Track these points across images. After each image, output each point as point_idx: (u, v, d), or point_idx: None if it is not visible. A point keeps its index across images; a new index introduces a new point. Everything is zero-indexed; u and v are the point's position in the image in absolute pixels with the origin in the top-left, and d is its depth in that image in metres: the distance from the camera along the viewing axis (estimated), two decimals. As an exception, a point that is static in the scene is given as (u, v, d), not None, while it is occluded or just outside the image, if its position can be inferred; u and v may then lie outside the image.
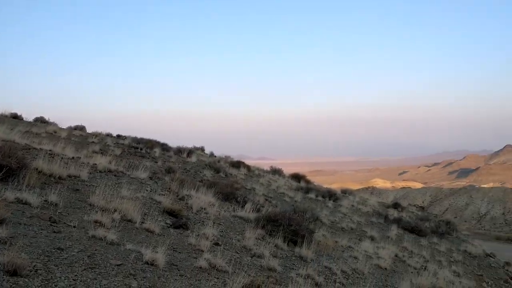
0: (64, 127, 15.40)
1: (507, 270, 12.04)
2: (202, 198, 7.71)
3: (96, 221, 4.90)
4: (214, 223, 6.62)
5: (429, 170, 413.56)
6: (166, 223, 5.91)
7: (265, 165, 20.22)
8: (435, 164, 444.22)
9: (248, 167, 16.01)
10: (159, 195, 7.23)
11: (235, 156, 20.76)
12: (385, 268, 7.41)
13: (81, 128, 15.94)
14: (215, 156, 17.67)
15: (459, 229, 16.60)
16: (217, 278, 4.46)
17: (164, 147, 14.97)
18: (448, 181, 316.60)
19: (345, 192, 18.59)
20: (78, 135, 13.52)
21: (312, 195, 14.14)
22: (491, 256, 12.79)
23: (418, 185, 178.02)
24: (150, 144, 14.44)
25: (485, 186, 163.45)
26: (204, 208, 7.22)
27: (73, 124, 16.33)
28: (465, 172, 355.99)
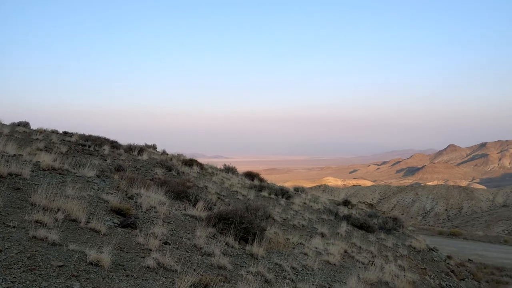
0: (7, 123, 14.63)
1: (448, 263, 12.65)
2: (153, 197, 7.54)
3: (37, 221, 4.67)
4: (164, 222, 6.50)
5: (379, 168, 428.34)
6: (113, 222, 5.74)
7: (220, 163, 20.14)
8: (384, 162, 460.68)
9: (201, 165, 15.87)
10: (107, 193, 7.01)
11: (189, 154, 20.55)
12: (334, 264, 7.57)
13: (25, 125, 15.18)
14: (167, 154, 17.39)
15: (405, 225, 17.24)
16: (165, 278, 4.37)
17: (114, 144, 14.55)
18: (396, 179, 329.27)
19: (297, 190, 18.85)
20: (21, 132, 12.87)
21: (265, 193, 14.21)
22: (434, 250, 13.38)
23: (368, 183, 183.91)
24: (99, 141, 13.99)
25: (430, 183, 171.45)
26: (154, 207, 7.07)
27: (16, 120, 15.53)
28: (412, 171, 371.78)
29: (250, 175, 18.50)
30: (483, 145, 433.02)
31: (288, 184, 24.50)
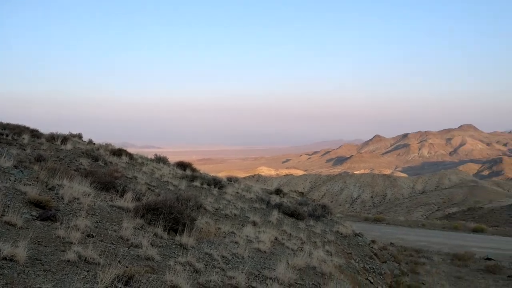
0: None
1: (372, 247, 13.34)
2: (76, 188, 7.17)
3: None
4: (88, 213, 6.21)
5: (310, 158, 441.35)
6: (31, 215, 5.37)
7: (151, 153, 19.62)
8: (315, 152, 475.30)
9: (130, 155, 15.36)
10: (25, 185, 6.55)
11: (119, 144, 19.83)
12: (265, 251, 7.67)
13: None
14: (94, 144, 16.64)
15: (333, 212, 17.88)
16: (87, 271, 4.17)
17: (35, 133, 13.65)
18: (326, 168, 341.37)
19: (231, 180, 18.87)
20: None
21: (197, 183, 14.08)
22: (359, 236, 14.03)
23: (300, 173, 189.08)
24: (18, 130, 13.06)
25: (357, 172, 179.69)
26: (78, 198, 6.73)
27: None
28: (340, 160, 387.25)
29: (182, 165, 18.23)
30: (405, 135, 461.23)
31: (222, 174, 24.47)
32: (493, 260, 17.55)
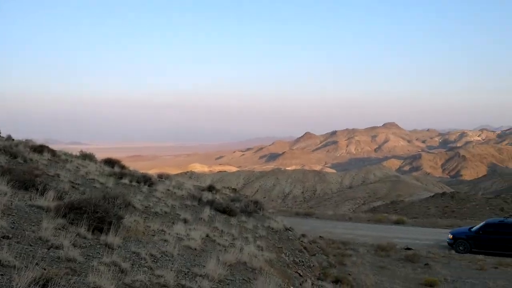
0: None
1: (302, 241, 13.73)
2: (-10, 187, 6.64)
3: None
4: (3, 214, 5.77)
5: (243, 154, 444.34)
6: None
7: (78, 150, 18.68)
8: (248, 149, 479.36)
9: (53, 152, 14.52)
10: None
11: (42, 140, 18.62)
12: (195, 249, 7.59)
13: None
14: (13, 140, 15.53)
15: (265, 208, 18.14)
16: (2, 275, 3.87)
17: None
18: (259, 164, 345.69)
19: (161, 176, 18.48)
20: None
21: (126, 181, 13.62)
22: (290, 230, 14.37)
23: (233, 169, 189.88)
24: None
25: (289, 168, 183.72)
26: (-8, 198, 6.23)
27: None
28: (273, 156, 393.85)
29: (111, 162, 17.54)
30: (333, 133, 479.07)
31: (154, 171, 23.90)
32: (412, 249, 18.77)
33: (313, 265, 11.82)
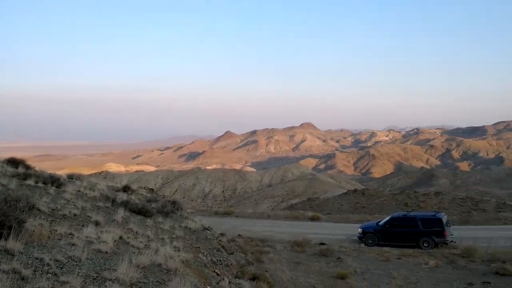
0: None
1: (220, 240, 13.70)
2: None
3: None
4: None
5: (162, 153, 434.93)
6: None
7: (-25, 149, 16.94)
8: (168, 148, 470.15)
9: None
10: None
11: None
12: (106, 252, 7.24)
13: None
14: None
15: (183, 208, 17.84)
16: None
17: None
18: (179, 164, 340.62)
19: (72, 177, 17.43)
20: None
21: (31, 182, 12.64)
22: (208, 230, 14.27)
23: (152, 168, 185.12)
24: None
25: (209, 168, 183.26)
26: None
27: None
28: (193, 156, 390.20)
29: (14, 162, 16.17)
30: (253, 132, 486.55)
31: (65, 171, 22.44)
32: (326, 244, 19.59)
33: (231, 264, 11.85)
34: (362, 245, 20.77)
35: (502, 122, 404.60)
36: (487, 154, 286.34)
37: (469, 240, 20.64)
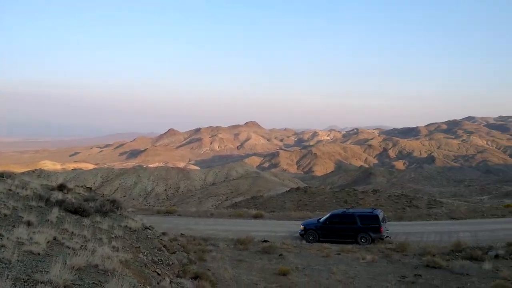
0: None
1: (161, 240, 13.43)
2: None
3: None
4: None
5: (102, 151, 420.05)
6: None
7: None
8: (108, 145, 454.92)
9: None
10: None
11: None
12: (39, 253, 6.86)
13: None
14: None
15: (124, 207, 17.30)
16: None
17: None
18: (119, 161, 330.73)
19: (2, 175, 16.36)
20: None
21: (-46, 180, 11.72)
22: (149, 229, 13.95)
23: (90, 166, 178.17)
24: None
25: (151, 166, 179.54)
26: None
27: None
28: (135, 153, 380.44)
29: None
30: (198, 130, 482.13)
31: (-7, 169, 21.00)
32: (269, 242, 19.82)
33: (173, 263, 11.65)
34: (304, 241, 21.22)
35: (433, 123, 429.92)
36: (420, 153, 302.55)
37: (403, 235, 21.72)
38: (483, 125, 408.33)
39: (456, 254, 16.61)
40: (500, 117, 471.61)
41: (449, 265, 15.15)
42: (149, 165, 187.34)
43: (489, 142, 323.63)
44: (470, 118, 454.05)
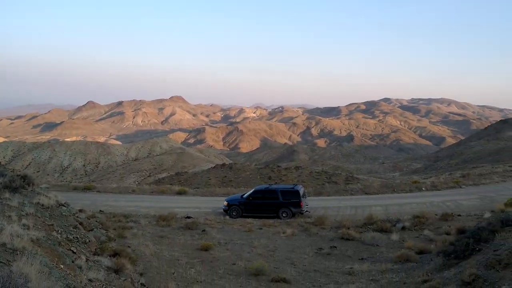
0: None
1: (77, 217, 12.81)
2: None
3: None
4: None
5: (12, 123, 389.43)
6: None
7: None
8: (19, 117, 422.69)
9: None
10: None
11: None
12: None
13: None
14: None
15: (36, 183, 16.26)
16: None
17: None
18: (32, 135, 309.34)
19: None
20: None
21: None
22: (64, 206, 13.24)
23: (0, 140, 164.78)
24: None
25: (68, 140, 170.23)
26: None
27: None
28: (50, 126, 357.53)
29: None
30: (120, 103, 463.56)
31: None
32: (192, 218, 19.79)
33: (90, 241, 11.19)
34: (227, 217, 21.44)
35: (353, 103, 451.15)
36: (341, 132, 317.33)
37: (322, 210, 22.75)
38: (398, 107, 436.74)
39: (368, 226, 17.76)
40: (412, 99, 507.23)
41: (362, 237, 16.18)
42: (66, 139, 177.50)
43: (402, 123, 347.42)
44: (386, 100, 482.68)
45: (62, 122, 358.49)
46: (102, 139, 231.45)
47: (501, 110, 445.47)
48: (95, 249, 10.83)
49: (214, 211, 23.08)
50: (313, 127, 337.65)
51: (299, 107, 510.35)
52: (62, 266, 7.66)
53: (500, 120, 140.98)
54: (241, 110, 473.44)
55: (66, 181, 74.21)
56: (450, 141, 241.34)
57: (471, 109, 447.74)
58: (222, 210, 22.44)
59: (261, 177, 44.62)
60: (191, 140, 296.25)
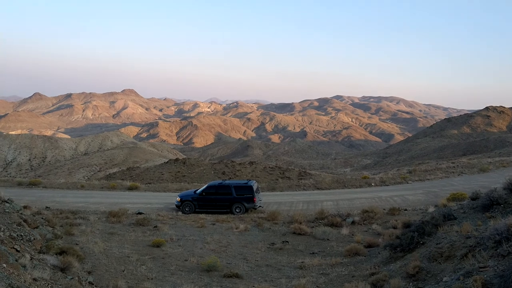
0: None
1: (22, 214, 12.28)
2: None
3: None
4: None
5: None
6: None
7: None
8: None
9: None
10: None
11: None
12: None
13: None
14: None
15: (-24, 178, 15.43)
16: None
17: None
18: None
19: None
20: None
21: None
22: (7, 202, 12.65)
23: None
24: None
25: (13, 133, 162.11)
26: None
27: None
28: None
29: None
30: (69, 96, 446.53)
31: None
32: (143, 213, 19.44)
33: (35, 239, 10.77)
34: (180, 213, 21.23)
35: (307, 100, 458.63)
36: (294, 128, 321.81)
37: (275, 205, 23.03)
38: (349, 104, 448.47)
39: (320, 221, 18.16)
40: (363, 97, 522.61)
41: (313, 231, 16.53)
42: (10, 132, 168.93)
43: (353, 120, 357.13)
44: (338, 97, 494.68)
45: (6, 115, 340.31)
46: (49, 133, 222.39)
47: (445, 109, 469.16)
48: (40, 247, 10.44)
49: (166, 207, 22.79)
50: (267, 122, 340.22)
51: (254, 103, 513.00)
52: (4, 265, 7.35)
53: (445, 119, 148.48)
54: (196, 105, 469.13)
55: (10, 176, 70.68)
56: (399, 138, 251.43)
57: (418, 108, 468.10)
58: (174, 206, 22.20)
59: (215, 173, 44.42)
60: (144, 135, 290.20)
